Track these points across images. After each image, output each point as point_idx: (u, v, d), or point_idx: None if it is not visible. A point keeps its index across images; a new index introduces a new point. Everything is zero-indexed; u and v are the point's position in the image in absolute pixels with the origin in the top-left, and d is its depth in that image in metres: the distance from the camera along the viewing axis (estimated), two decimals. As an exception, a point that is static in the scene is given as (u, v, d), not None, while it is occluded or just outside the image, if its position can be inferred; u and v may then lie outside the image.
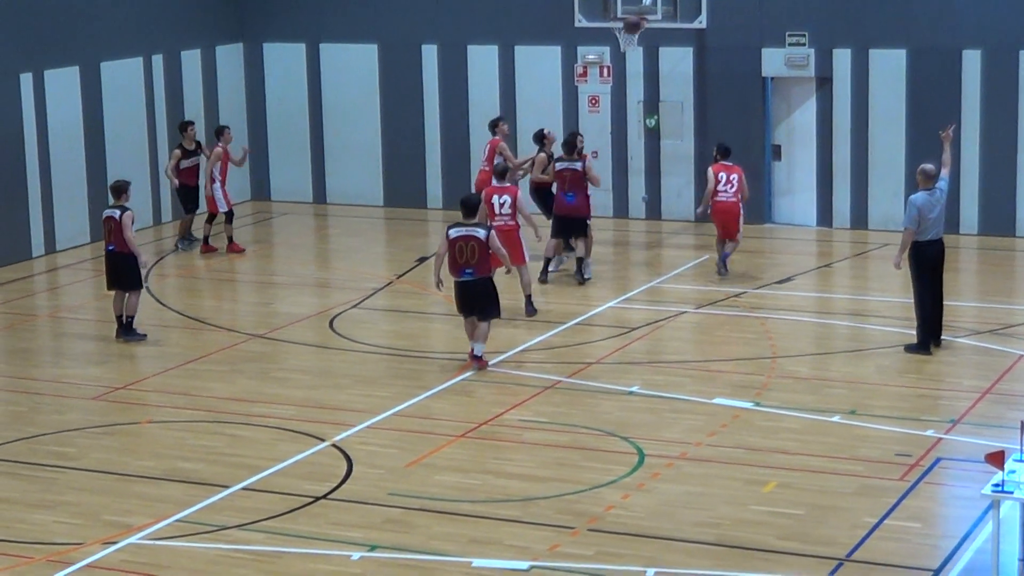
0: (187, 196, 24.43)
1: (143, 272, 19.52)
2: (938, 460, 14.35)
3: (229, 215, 24.19)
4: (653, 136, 25.73)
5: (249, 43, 28.01)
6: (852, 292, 21.30)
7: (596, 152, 25.17)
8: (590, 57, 25.87)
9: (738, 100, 25.04)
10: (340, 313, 20.37)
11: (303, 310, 20.63)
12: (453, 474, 14.35)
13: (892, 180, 24.27)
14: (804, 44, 24.56)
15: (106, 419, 16.33)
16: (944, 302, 17.91)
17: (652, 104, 25.65)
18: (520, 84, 26.33)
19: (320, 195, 27.97)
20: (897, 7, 24.10)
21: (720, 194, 21.51)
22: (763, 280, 21.59)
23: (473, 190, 22.54)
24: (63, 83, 24.50)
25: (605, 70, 25.83)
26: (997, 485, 11.09)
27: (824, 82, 24.65)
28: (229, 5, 27.82)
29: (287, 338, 19.22)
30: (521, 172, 23.05)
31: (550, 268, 21.74)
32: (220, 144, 24.16)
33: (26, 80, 23.94)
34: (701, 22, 24.85)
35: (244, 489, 14.09)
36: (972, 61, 23.74)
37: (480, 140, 24.86)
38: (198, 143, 24.71)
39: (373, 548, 12.68)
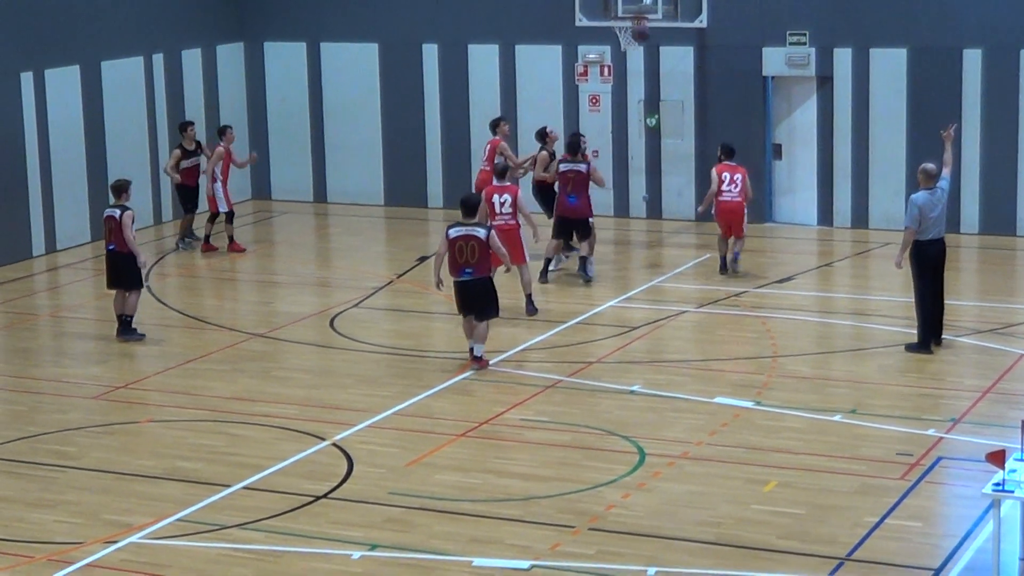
0: (187, 196, 24.43)
1: (142, 272, 19.52)
2: (939, 459, 14.34)
3: (230, 215, 24.18)
4: (654, 135, 25.71)
5: (250, 42, 28.01)
6: (853, 291, 21.29)
7: (597, 151, 25.17)
8: (591, 56, 25.85)
9: (739, 99, 25.03)
10: (341, 312, 20.36)
11: (304, 309, 20.63)
12: (454, 473, 14.34)
13: (893, 179, 24.26)
14: (805, 43, 24.54)
15: (107, 418, 16.32)
16: (945, 301, 17.91)
17: (653, 103, 25.64)
18: (521, 83, 26.32)
19: (321, 194, 27.97)
20: (898, 7, 24.09)
21: (724, 194, 21.50)
22: (764, 279, 21.58)
23: (473, 190, 22.52)
24: (64, 82, 24.49)
25: (606, 69, 25.82)
26: (998, 484, 11.10)
27: (825, 81, 24.64)
28: (230, 4, 27.81)
29: (288, 337, 19.22)
30: (521, 171, 23.06)
31: (550, 267, 21.74)
32: (222, 143, 24.15)
33: (27, 79, 23.93)
34: (702, 21, 24.85)
35: (245, 488, 14.08)
36: (973, 60, 23.73)
37: (480, 139, 24.84)
38: (198, 143, 24.70)
39: (374, 547, 12.67)
